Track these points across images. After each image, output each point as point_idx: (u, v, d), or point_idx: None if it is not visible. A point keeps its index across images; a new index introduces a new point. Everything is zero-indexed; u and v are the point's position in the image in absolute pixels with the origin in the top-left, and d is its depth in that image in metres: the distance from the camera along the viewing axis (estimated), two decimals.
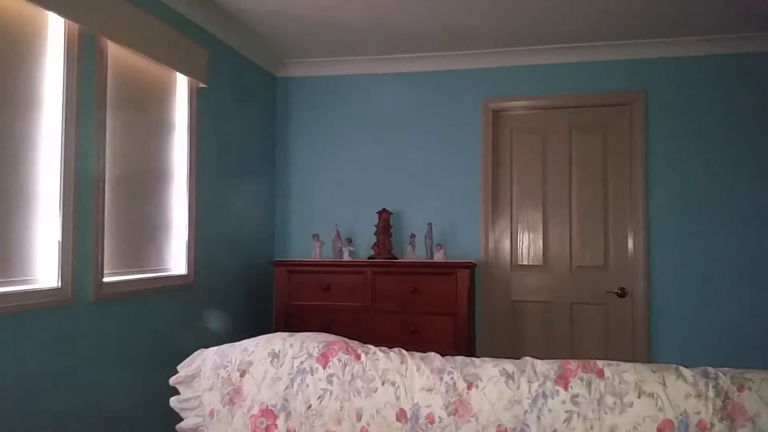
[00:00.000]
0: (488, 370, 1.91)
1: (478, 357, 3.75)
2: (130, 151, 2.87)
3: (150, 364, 2.92)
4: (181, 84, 3.26)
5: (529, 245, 4.17)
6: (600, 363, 1.91)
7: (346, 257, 3.99)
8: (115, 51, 2.71)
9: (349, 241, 4.06)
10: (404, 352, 2.01)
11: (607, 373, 1.85)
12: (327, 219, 4.30)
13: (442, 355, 2.07)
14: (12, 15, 2.19)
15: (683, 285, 3.87)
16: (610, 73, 4.01)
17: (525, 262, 4.17)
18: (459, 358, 2.00)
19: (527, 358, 2.00)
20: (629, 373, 1.84)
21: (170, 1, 3.06)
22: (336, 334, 2.88)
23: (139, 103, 2.95)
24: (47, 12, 2.31)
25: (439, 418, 1.82)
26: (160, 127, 3.13)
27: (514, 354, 3.96)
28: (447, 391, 1.85)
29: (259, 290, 4.19)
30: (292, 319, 3.91)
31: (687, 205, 3.89)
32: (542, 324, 4.12)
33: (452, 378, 1.87)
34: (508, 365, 1.94)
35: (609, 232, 4.05)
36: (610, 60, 4.00)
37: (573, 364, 1.92)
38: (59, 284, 2.37)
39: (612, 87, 4.01)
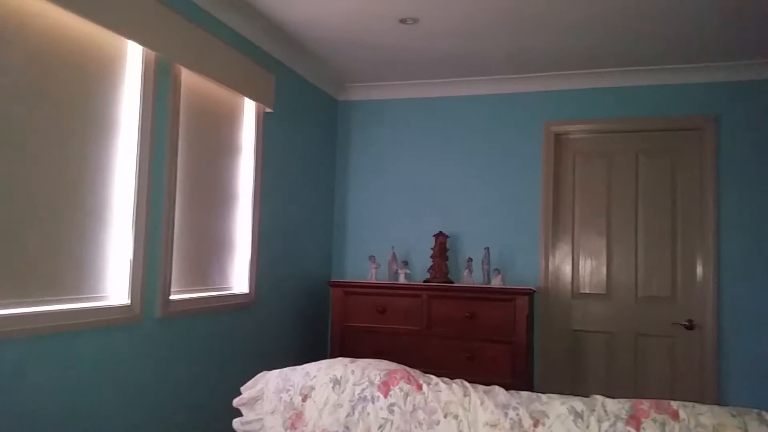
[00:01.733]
0: (556, 407, 1.85)
1: (536, 388, 3.69)
2: (198, 173, 2.96)
3: (213, 381, 2.98)
4: (249, 108, 3.36)
5: (591, 272, 4.04)
6: (674, 404, 1.82)
7: (401, 280, 3.97)
8: (188, 77, 2.81)
9: (405, 263, 4.04)
10: (467, 384, 1.97)
11: (682, 415, 1.76)
12: (383, 241, 4.30)
13: (502, 386, 2.03)
14: (95, 43, 2.31)
15: (756, 318, 3.66)
16: (680, 97, 3.87)
17: (587, 290, 4.04)
18: (525, 393, 1.95)
19: (597, 396, 1.93)
20: (706, 416, 1.74)
21: (239, 27, 3.16)
22: (391, 357, 2.87)
23: (209, 127, 3.05)
24: (127, 41, 2.42)
25: None
26: (228, 150, 3.22)
27: (574, 386, 3.85)
28: (512, 428, 1.79)
29: (316, 310, 4.23)
30: (348, 341, 3.91)
31: (760, 233, 3.69)
32: (605, 356, 3.96)
33: (518, 414, 1.82)
34: (577, 403, 1.87)
35: (677, 260, 3.89)
36: (679, 83, 3.87)
37: (645, 404, 1.83)
38: (129, 301, 2.45)
39: (681, 111, 3.88)
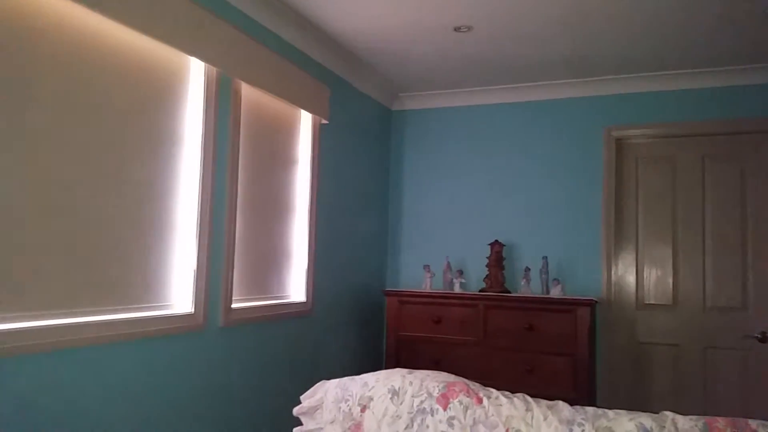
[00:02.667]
0: (623, 423, 1.77)
1: (598, 402, 3.57)
2: (257, 185, 3.03)
3: (272, 388, 3.03)
4: (305, 120, 3.42)
5: (656, 282, 3.89)
6: (753, 423, 1.72)
7: (456, 289, 3.93)
8: (247, 91, 2.88)
9: (460, 272, 4.00)
10: (529, 398, 1.92)
11: None
12: (438, 250, 4.28)
13: (563, 400, 1.96)
14: (159, 61, 2.40)
15: None
16: (749, 99, 3.69)
17: (652, 301, 3.89)
18: (590, 409, 1.88)
19: (667, 412, 1.84)
20: None
21: (295, 41, 3.22)
22: (447, 368, 2.85)
23: (267, 139, 3.12)
24: (190, 57, 2.51)
25: None
26: (285, 161, 3.28)
27: (639, 401, 3.70)
28: None
29: (371, 319, 4.24)
30: (403, 350, 3.90)
31: None
32: (671, 369, 3.80)
33: (583, 430, 1.75)
34: (646, 420, 1.79)
35: (748, 268, 3.69)
36: (748, 84, 3.68)
37: (720, 422, 1.74)
38: (193, 310, 2.53)
39: (750, 113, 3.69)
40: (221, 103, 2.67)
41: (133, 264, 2.26)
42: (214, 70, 2.61)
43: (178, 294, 2.50)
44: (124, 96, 2.23)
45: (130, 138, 2.25)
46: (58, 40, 1.96)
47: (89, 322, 2.03)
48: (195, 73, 2.58)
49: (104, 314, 2.12)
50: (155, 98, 2.38)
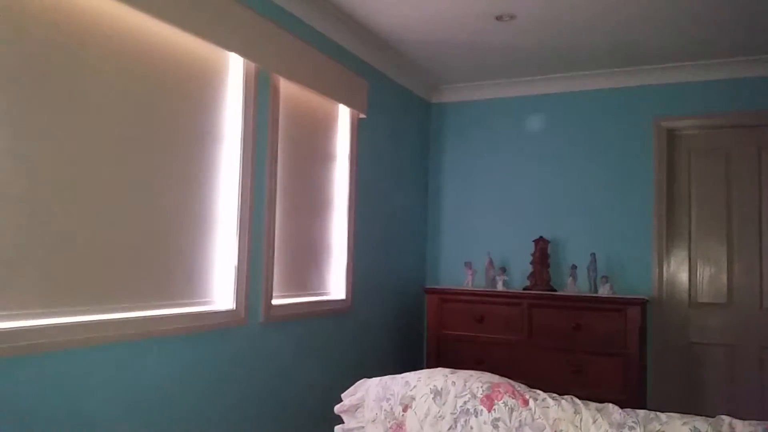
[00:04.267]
0: (677, 427, 1.68)
1: (649, 405, 3.42)
2: (296, 181, 3.01)
3: (313, 385, 3.02)
4: (343, 115, 3.39)
5: (710, 280, 3.71)
6: None
7: (499, 287, 3.84)
8: (285, 86, 2.87)
9: (503, 270, 3.91)
10: (577, 400, 1.84)
11: None
12: (480, 246, 4.19)
13: (612, 402, 1.87)
14: (199, 57, 2.40)
15: None
16: None
17: (705, 300, 3.72)
18: (641, 411, 1.79)
19: (723, 417, 1.74)
20: None
21: (332, 34, 3.20)
22: (490, 368, 2.77)
23: (306, 134, 3.10)
24: (229, 53, 2.51)
25: None
26: (324, 156, 3.26)
27: (692, 404, 3.54)
28: None
29: (411, 317, 4.19)
30: (444, 349, 3.84)
31: None
32: (725, 370, 3.62)
33: None
34: (701, 424, 1.69)
35: None
36: None
37: None
38: (234, 306, 2.53)
39: None
40: (260, 99, 2.67)
41: (175, 260, 2.27)
42: (253, 65, 2.61)
43: (220, 290, 2.50)
44: (166, 93, 2.24)
45: (171, 135, 2.26)
46: (103, 39, 1.98)
47: (132, 318, 2.05)
48: (234, 69, 2.58)
49: (148, 310, 2.13)
50: (196, 95, 2.39)
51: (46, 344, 1.74)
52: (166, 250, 2.24)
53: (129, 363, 2.04)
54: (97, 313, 1.94)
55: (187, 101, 2.34)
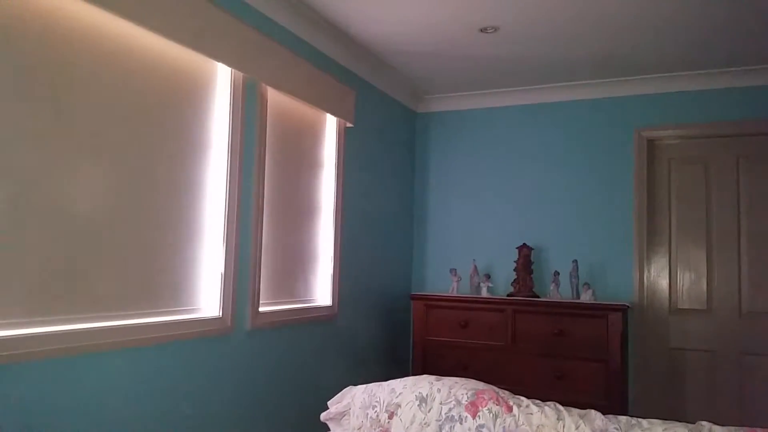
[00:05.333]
0: None
1: (630, 410, 3.48)
2: (283, 188, 3.03)
3: (299, 392, 3.03)
4: (331, 124, 3.41)
5: (690, 286, 3.78)
6: None
7: (484, 293, 3.88)
8: (273, 96, 2.89)
9: (488, 276, 3.95)
10: (560, 407, 1.88)
11: None
12: (464, 253, 4.24)
13: (594, 408, 1.92)
14: (187, 66, 2.42)
15: None
16: None
17: (685, 306, 3.79)
18: (623, 418, 1.83)
19: (703, 423, 1.79)
20: None
21: (320, 45, 3.22)
22: (474, 373, 2.81)
23: (293, 143, 3.12)
24: (217, 63, 2.52)
25: None
26: (311, 165, 3.28)
27: (673, 410, 3.61)
28: None
29: (397, 323, 4.21)
30: (430, 355, 3.87)
31: None
32: (706, 376, 3.69)
33: None
34: (682, 429, 1.74)
35: None
36: None
37: None
38: (220, 313, 2.53)
39: None
40: (248, 108, 2.68)
41: (161, 268, 2.28)
42: (240, 75, 2.62)
43: (206, 298, 2.51)
44: (153, 102, 2.25)
45: (158, 143, 2.27)
46: (92, 48, 1.98)
47: (118, 326, 2.04)
48: (222, 78, 2.59)
49: (133, 318, 2.13)
50: (183, 103, 2.40)
51: (28, 354, 1.73)
52: (153, 258, 2.24)
53: (114, 372, 2.03)
54: (82, 322, 1.94)
55: (175, 110, 2.35)
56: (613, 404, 3.27)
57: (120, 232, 2.10)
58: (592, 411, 1.86)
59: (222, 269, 2.54)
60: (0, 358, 1.66)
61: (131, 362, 2.09)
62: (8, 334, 1.70)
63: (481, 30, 3.17)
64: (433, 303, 3.93)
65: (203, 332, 2.43)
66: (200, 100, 2.49)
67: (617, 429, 1.76)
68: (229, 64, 2.51)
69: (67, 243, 1.90)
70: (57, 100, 1.87)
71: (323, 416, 2.10)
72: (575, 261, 3.77)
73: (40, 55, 1.82)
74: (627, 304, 3.55)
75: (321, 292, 3.35)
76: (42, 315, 1.82)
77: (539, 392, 2.51)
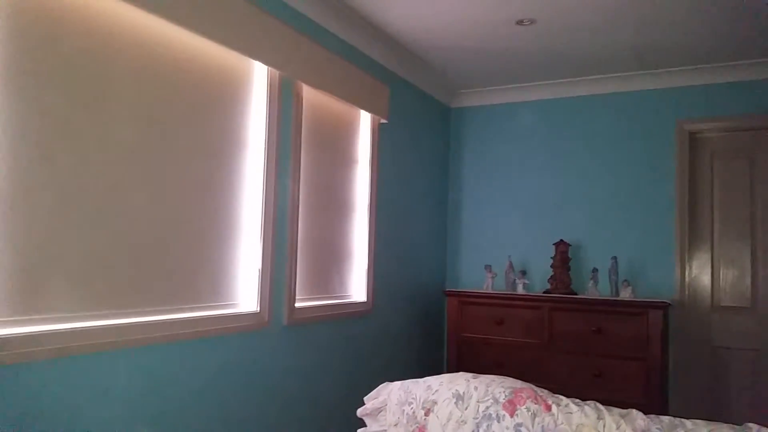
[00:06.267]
0: None
1: (671, 410, 3.40)
2: (319, 185, 3.05)
3: (335, 386, 3.05)
4: (365, 120, 3.42)
5: (733, 283, 3.67)
6: None
7: (520, 290, 3.84)
8: (308, 93, 2.91)
9: (524, 273, 3.90)
10: (600, 406, 1.85)
11: None
12: (500, 250, 4.19)
13: (633, 407, 1.88)
14: (224, 66, 2.45)
15: None
16: None
17: (729, 303, 3.68)
18: (666, 418, 1.79)
19: (751, 425, 1.73)
20: None
21: (354, 41, 3.23)
22: (510, 372, 2.78)
23: (328, 140, 3.14)
24: (254, 61, 2.55)
25: None
26: (345, 161, 3.29)
27: (715, 410, 3.51)
28: None
29: (432, 319, 4.20)
30: (465, 352, 3.85)
31: None
32: (750, 375, 3.58)
33: None
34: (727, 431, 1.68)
35: None
36: None
37: None
38: (258, 308, 2.57)
39: None
40: (284, 106, 2.71)
41: (201, 264, 2.32)
42: (276, 73, 2.65)
43: (244, 293, 2.55)
44: (192, 101, 2.29)
45: (197, 141, 2.31)
46: (131, 48, 2.03)
47: (159, 321, 2.09)
48: (258, 77, 2.62)
49: (174, 313, 2.18)
50: (221, 102, 2.43)
51: (73, 348, 1.79)
52: (192, 254, 2.28)
53: (155, 366, 2.08)
54: (124, 317, 1.99)
55: (214, 109, 2.39)
56: (653, 404, 3.20)
57: (159, 229, 2.14)
58: (633, 410, 1.83)
59: (259, 265, 2.57)
60: (50, 352, 1.72)
61: (171, 357, 2.14)
62: (53, 329, 1.76)
63: (518, 22, 3.12)
64: (467, 299, 3.91)
65: (242, 327, 2.47)
66: (237, 99, 2.52)
67: (660, 429, 1.72)
68: (265, 62, 2.54)
69: (107, 240, 1.95)
70: (97, 100, 1.92)
71: (360, 411, 2.11)
72: (614, 257, 3.69)
73: (80, 55, 1.87)
74: (668, 302, 3.47)
75: (356, 288, 3.37)
76: (83, 310, 1.87)
77: (576, 391, 2.47)
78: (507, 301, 3.79)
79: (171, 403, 2.14)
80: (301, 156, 2.85)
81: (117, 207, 1.98)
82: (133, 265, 2.03)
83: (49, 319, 1.76)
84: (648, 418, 1.79)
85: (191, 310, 2.27)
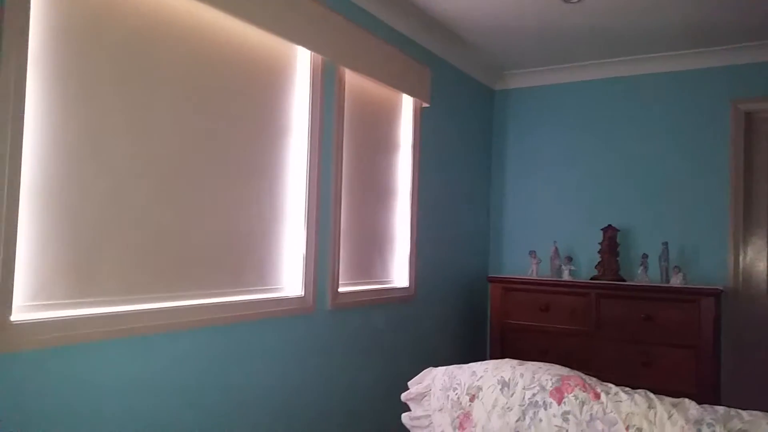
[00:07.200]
0: (761, 427, 1.61)
1: (723, 400, 3.29)
2: (361, 170, 3.05)
3: (378, 371, 3.08)
4: (407, 104, 3.39)
5: None
6: None
7: (565, 276, 3.77)
8: (350, 77, 2.90)
9: (570, 259, 3.83)
10: (651, 394, 1.80)
11: None
12: (545, 235, 4.12)
13: (684, 396, 1.82)
14: (268, 51, 2.46)
15: None
16: None
17: None
18: (720, 408, 1.73)
19: None
20: None
21: (395, 23, 3.20)
22: (555, 359, 2.74)
23: (370, 124, 3.13)
24: (297, 47, 2.55)
25: None
26: (387, 146, 3.28)
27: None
28: None
29: (475, 305, 4.18)
30: (508, 338, 3.81)
31: None
32: None
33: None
34: None
35: None
36: None
37: None
38: (303, 293, 2.60)
39: None
40: (326, 91, 2.71)
41: (247, 249, 2.36)
42: (319, 58, 2.65)
43: (289, 278, 2.58)
44: (238, 88, 2.31)
45: (244, 128, 2.34)
46: (178, 36, 2.06)
47: (207, 304, 2.14)
48: (301, 62, 2.63)
49: (221, 297, 2.23)
50: (265, 88, 2.45)
51: (124, 330, 1.84)
52: (239, 240, 2.32)
53: (203, 348, 2.14)
54: (173, 300, 2.04)
55: (258, 95, 2.41)
56: (704, 393, 3.11)
57: (208, 215, 2.18)
58: (686, 400, 1.78)
59: (303, 250, 2.60)
60: (102, 334, 1.78)
61: (219, 339, 2.19)
62: (107, 311, 1.81)
63: (565, 0, 3.03)
64: (511, 286, 3.86)
65: (288, 311, 2.51)
66: (281, 85, 2.54)
67: (714, 420, 1.67)
68: (308, 47, 2.54)
69: (157, 225, 2.00)
70: (145, 88, 1.96)
71: (404, 396, 2.12)
72: (665, 243, 3.58)
73: (128, 44, 1.91)
74: (721, 288, 3.35)
75: (398, 273, 3.37)
76: (134, 293, 1.92)
77: (624, 379, 2.42)
78: (552, 287, 3.72)
79: (219, 385, 2.19)
80: (343, 141, 2.85)
81: (166, 194, 2.02)
82: (182, 251, 2.08)
83: (102, 302, 1.82)
84: (701, 407, 1.74)
85: (238, 293, 2.31)
